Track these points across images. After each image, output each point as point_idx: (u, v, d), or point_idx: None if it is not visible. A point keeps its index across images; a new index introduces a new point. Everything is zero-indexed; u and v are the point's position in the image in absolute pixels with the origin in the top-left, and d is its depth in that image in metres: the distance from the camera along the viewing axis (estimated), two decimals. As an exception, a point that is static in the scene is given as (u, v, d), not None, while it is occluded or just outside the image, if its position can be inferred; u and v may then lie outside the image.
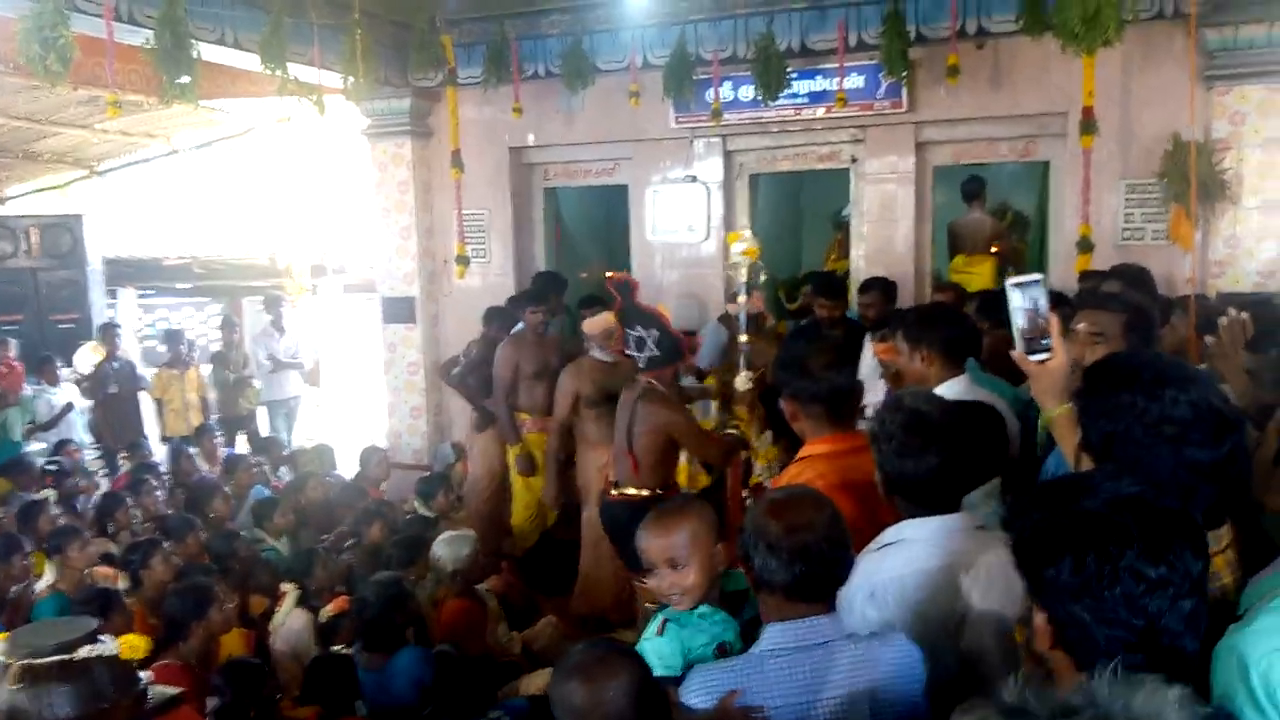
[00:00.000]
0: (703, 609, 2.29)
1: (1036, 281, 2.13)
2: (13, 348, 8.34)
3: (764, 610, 1.97)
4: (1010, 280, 2.14)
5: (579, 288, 7.54)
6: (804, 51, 6.40)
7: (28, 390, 7.92)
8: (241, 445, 8.71)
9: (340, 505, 6.34)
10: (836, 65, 6.25)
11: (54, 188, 11.39)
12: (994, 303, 4.11)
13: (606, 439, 5.02)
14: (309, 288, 11.64)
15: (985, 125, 6.55)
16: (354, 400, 10.54)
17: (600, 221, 8.84)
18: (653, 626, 2.34)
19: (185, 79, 5.27)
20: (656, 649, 2.27)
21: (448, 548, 4.61)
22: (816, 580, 1.90)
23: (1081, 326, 2.74)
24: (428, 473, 6.77)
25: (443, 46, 6.95)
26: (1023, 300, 2.12)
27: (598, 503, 5.03)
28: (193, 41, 5.29)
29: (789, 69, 6.30)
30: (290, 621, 4.54)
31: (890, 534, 2.23)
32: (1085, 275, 5.15)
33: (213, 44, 5.74)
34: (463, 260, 7.35)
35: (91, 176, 11.23)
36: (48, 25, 4.57)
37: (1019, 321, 2.13)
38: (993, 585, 2.07)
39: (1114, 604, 1.19)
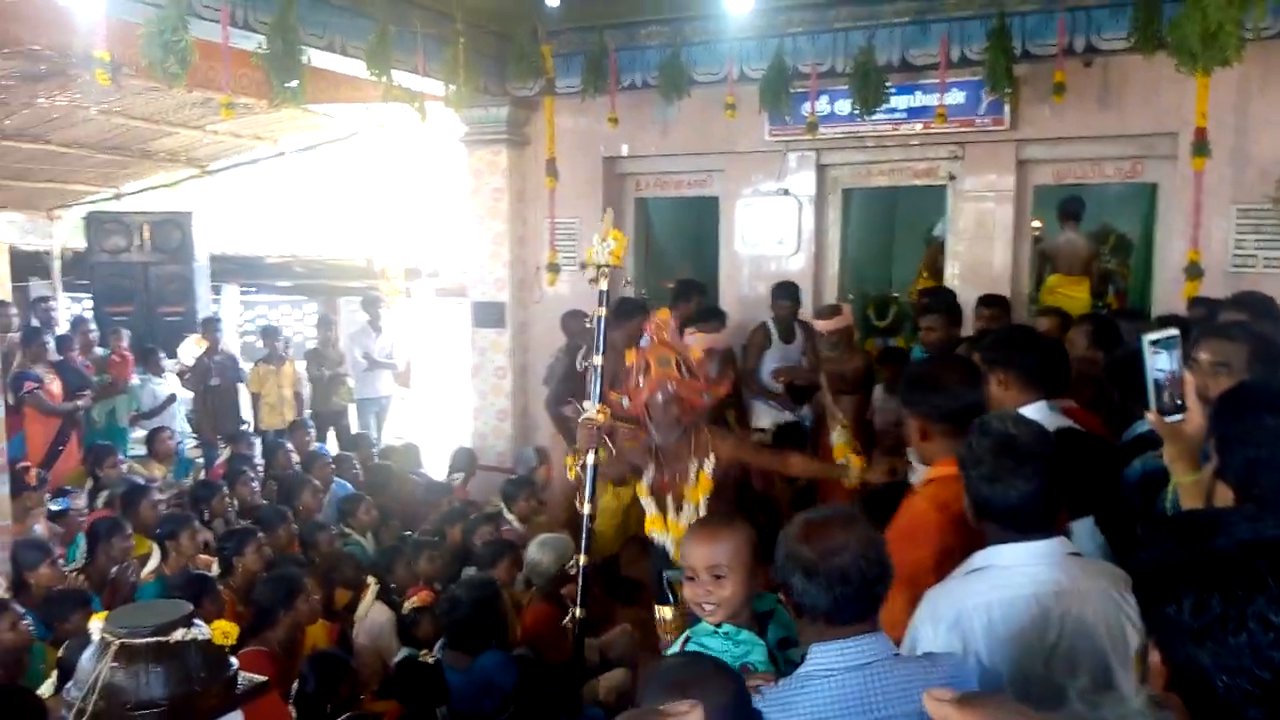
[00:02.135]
0: (727, 628, 2.27)
1: (1173, 339, 2.03)
2: (124, 338, 8.70)
3: (806, 635, 1.94)
4: (1147, 337, 2.05)
5: (669, 299, 7.54)
6: (904, 66, 6.30)
7: (135, 379, 8.25)
8: (332, 441, 8.93)
9: (425, 503, 6.45)
10: (937, 81, 6.14)
11: (166, 185, 11.86)
12: (1108, 331, 3.98)
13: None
14: (403, 290, 11.90)
15: (1090, 145, 6.36)
16: (442, 401, 10.71)
17: (689, 233, 8.84)
18: (678, 644, 2.35)
19: (294, 83, 5.44)
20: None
21: (546, 551, 4.65)
22: (857, 601, 1.85)
23: (1204, 356, 2.62)
24: (512, 475, 6.84)
25: (542, 56, 7.05)
26: (1160, 359, 2.02)
27: None
28: (302, 47, 5.46)
29: (888, 83, 6.22)
30: (372, 615, 4.63)
31: (978, 559, 2.17)
32: (1195, 302, 4.95)
33: (321, 50, 5.91)
34: (554, 268, 7.42)
35: (202, 175, 11.68)
36: (168, 30, 4.77)
37: (1154, 379, 2.03)
38: (1086, 616, 1.99)
39: (1237, 652, 1.12)
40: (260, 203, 13.07)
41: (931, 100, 6.29)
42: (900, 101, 6.50)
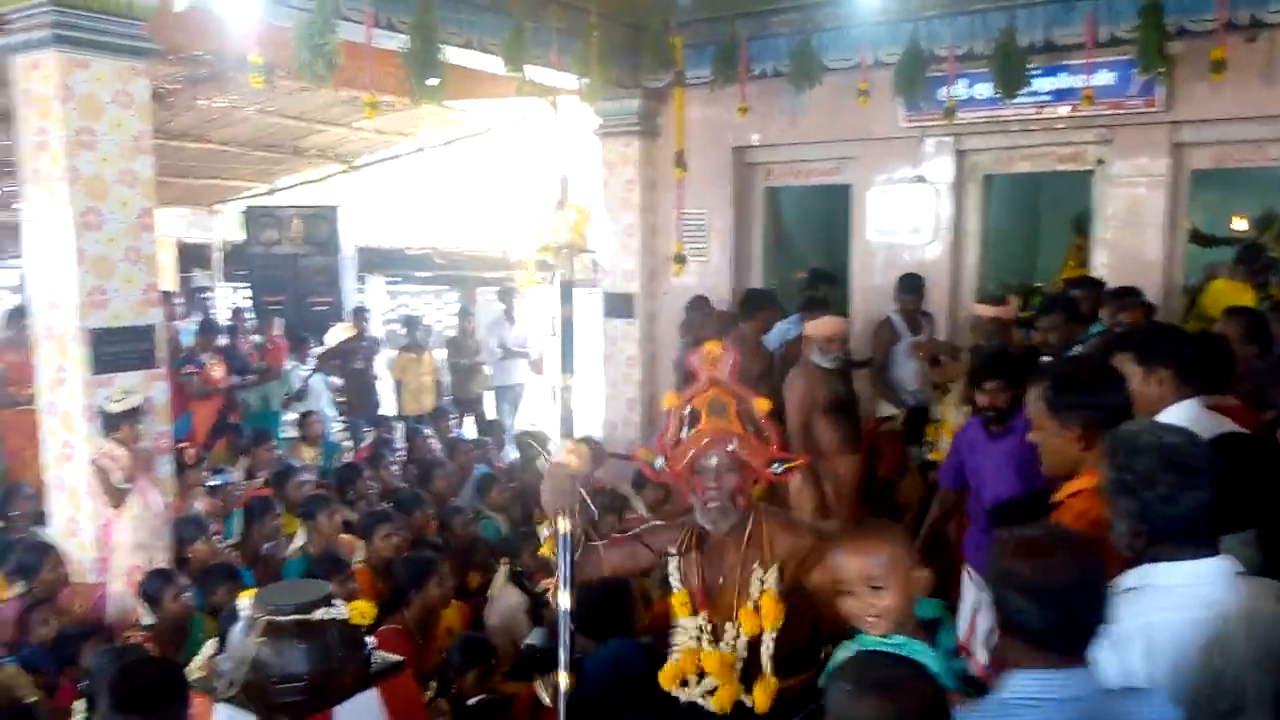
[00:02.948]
0: (896, 638, 2.18)
1: None
2: (278, 326, 9.18)
3: (1010, 655, 1.84)
4: None
5: (796, 289, 7.48)
6: (1047, 47, 6.03)
7: (288, 365, 8.71)
8: (469, 427, 9.21)
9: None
10: (1084, 61, 5.85)
11: (315, 181, 12.43)
12: (1262, 326, 3.73)
13: (844, 446, 4.99)
14: (538, 281, 12.13)
15: (1253, 125, 5.95)
16: (574, 390, 10.87)
17: (820, 222, 8.71)
18: (841, 655, 2.25)
19: (434, 81, 5.61)
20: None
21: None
22: (1072, 631, 1.76)
23: None
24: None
25: (673, 48, 7.06)
26: None
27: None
28: (441, 46, 5.62)
29: (1030, 65, 5.97)
30: (504, 597, 4.76)
31: (1133, 578, 2.02)
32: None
33: (459, 48, 6.07)
34: (680, 259, 7.44)
35: (348, 171, 12.20)
36: (317, 33, 4.99)
37: None
38: (1257, 640, 1.86)
39: None
40: (402, 196, 13.53)
41: (1078, 81, 6.01)
42: (1044, 84, 6.23)
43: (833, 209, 8.10)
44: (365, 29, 5.37)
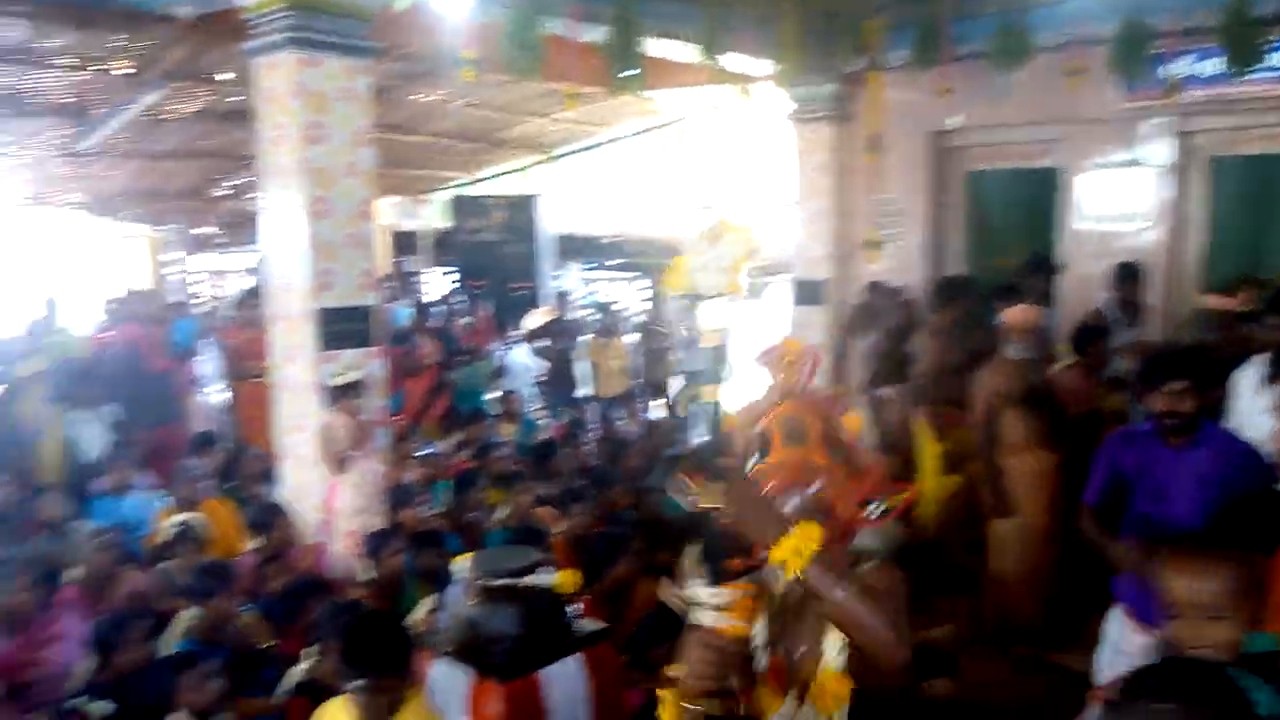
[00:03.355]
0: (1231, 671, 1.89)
1: None
2: (485, 309, 9.68)
3: None
4: None
5: (996, 276, 7.20)
6: (1285, 18, 5.56)
7: (493, 346, 9.17)
8: (659, 409, 9.39)
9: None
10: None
11: (516, 170, 12.94)
12: None
13: (1029, 442, 4.80)
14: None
15: None
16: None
17: (1023, 208, 8.33)
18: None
19: (633, 72, 5.75)
20: None
21: (873, 537, 4.66)
22: None
23: None
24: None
25: (870, 31, 6.93)
26: None
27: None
28: (640, 37, 5.75)
29: (1267, 38, 5.51)
30: (690, 577, 4.85)
31: None
32: None
33: (656, 38, 6.19)
34: (873, 245, 7.31)
35: (547, 160, 12.63)
36: (524, 28, 5.23)
37: None
38: None
39: None
40: (598, 184, 13.86)
41: (1322, 54, 5.51)
42: (1278, 59, 5.74)
43: (1038, 194, 7.74)
44: (569, 22, 5.56)
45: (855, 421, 2.04)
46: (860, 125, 7.65)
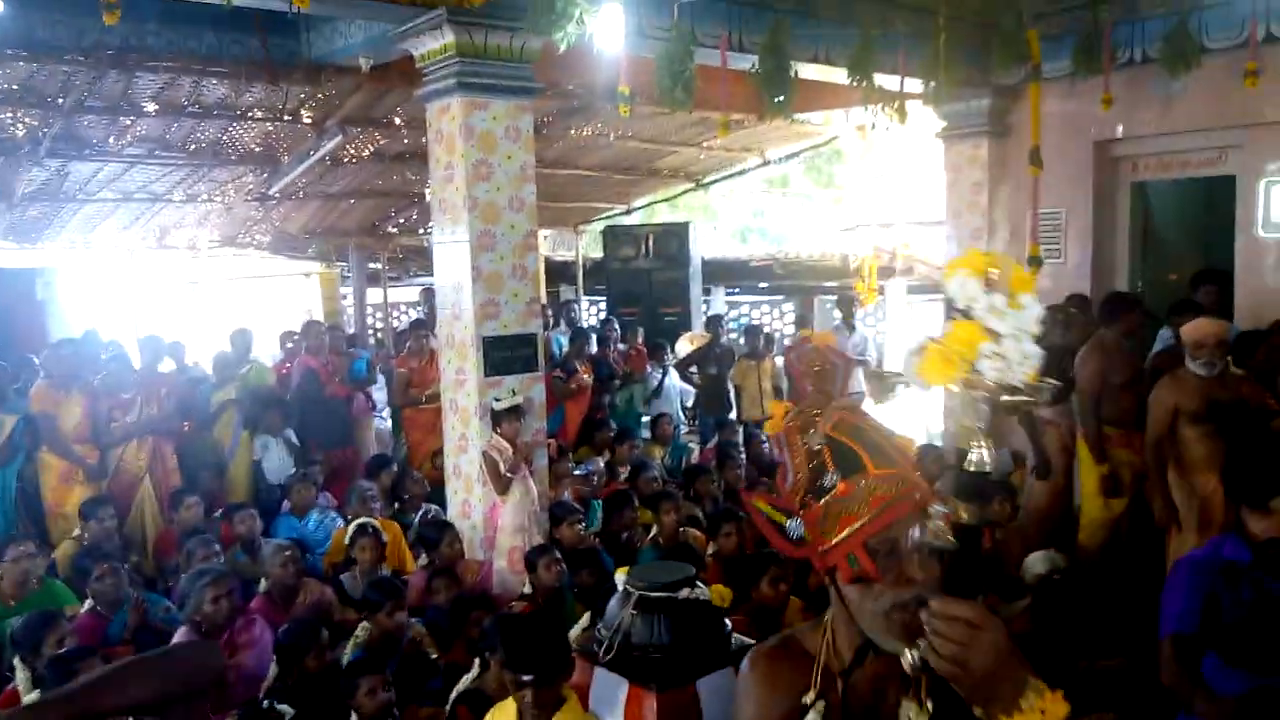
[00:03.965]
0: None
1: None
2: (640, 335, 9.90)
3: None
4: None
5: (1168, 292, 6.87)
6: None
7: (648, 370, 9.35)
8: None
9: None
10: None
11: (667, 199, 13.18)
12: None
13: (1211, 462, 4.57)
14: (877, 288, 12.04)
15: None
16: (914, 399, 10.68)
17: (1196, 218, 7.91)
18: None
19: (783, 97, 5.82)
20: None
21: (1039, 562, 4.58)
22: None
23: None
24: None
25: (1028, 41, 6.77)
26: None
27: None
28: (790, 63, 5.81)
29: None
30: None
31: None
32: None
33: (806, 62, 6.23)
34: (1035, 261, 7.08)
35: (697, 188, 12.81)
36: (677, 61, 5.38)
37: None
38: None
39: None
40: (748, 208, 13.96)
41: None
42: None
43: (1212, 204, 7.35)
44: (720, 53, 5.69)
45: (908, 443, 1.68)
46: (1016, 139, 7.45)
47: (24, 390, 6.48)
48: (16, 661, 3.82)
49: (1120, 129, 7.03)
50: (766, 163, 11.87)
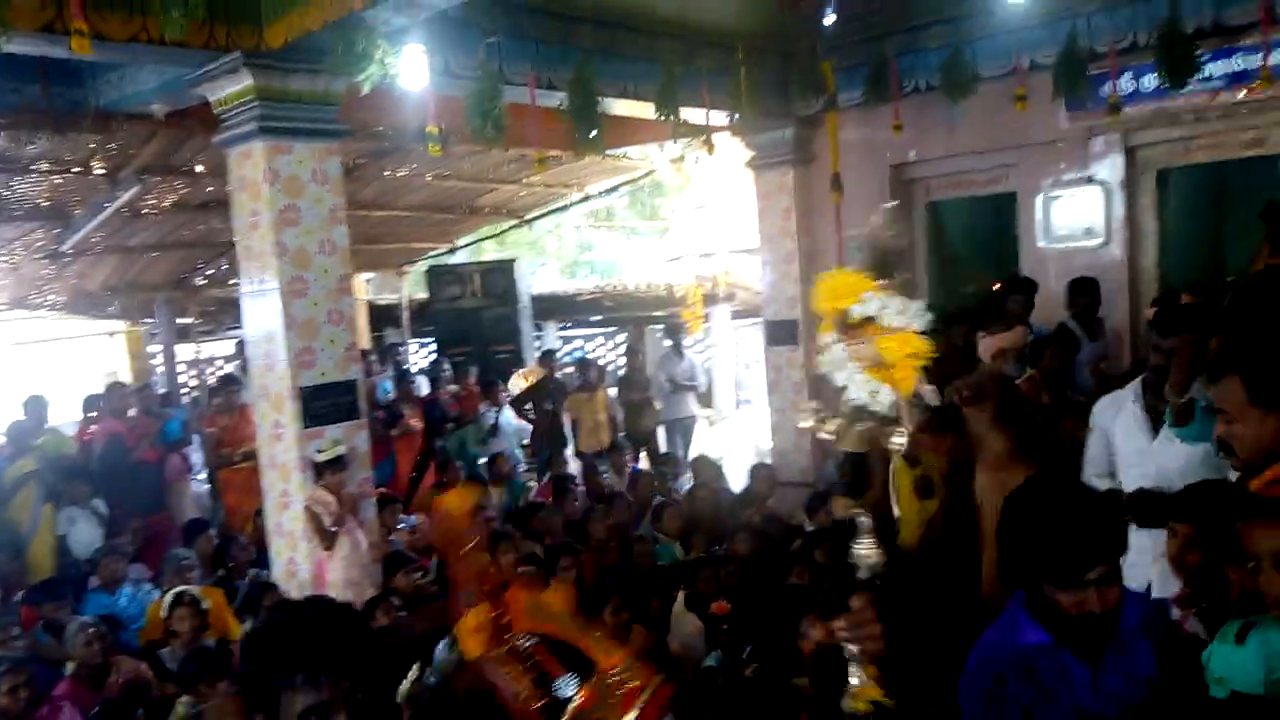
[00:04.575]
0: None
1: None
2: (473, 375, 9.78)
3: None
4: None
5: (962, 301, 7.34)
6: (1216, 30, 5.78)
7: (481, 410, 9.24)
8: (643, 461, 9.45)
9: (728, 517, 6.69)
10: (1259, 41, 5.56)
11: (491, 237, 13.14)
12: None
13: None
14: (703, 315, 12.37)
15: None
16: (742, 419, 10.99)
17: (986, 233, 8.52)
18: (1230, 631, 2.04)
19: (594, 133, 5.92)
20: (1229, 659, 2.00)
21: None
22: None
23: None
24: (811, 490, 6.93)
25: (823, 73, 7.15)
26: None
27: None
28: (599, 99, 5.92)
29: (1199, 51, 5.72)
30: (681, 623, 4.90)
31: None
32: None
33: (615, 98, 6.37)
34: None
35: (520, 225, 12.82)
36: (485, 99, 5.39)
37: None
38: None
39: None
40: (571, 244, 14.07)
41: (1254, 63, 5.71)
42: (1216, 68, 5.96)
43: (998, 219, 7.93)
44: (529, 90, 5.74)
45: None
46: (819, 165, 7.83)
47: None
48: None
49: (913, 153, 7.51)
50: (587, 197, 12.01)
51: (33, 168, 7.62)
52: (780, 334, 8.18)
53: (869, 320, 1.71)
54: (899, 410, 1.75)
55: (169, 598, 5.02)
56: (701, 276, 12.84)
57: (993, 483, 5.05)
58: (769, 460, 8.16)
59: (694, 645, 4.74)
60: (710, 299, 12.87)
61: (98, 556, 5.98)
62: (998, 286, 7.41)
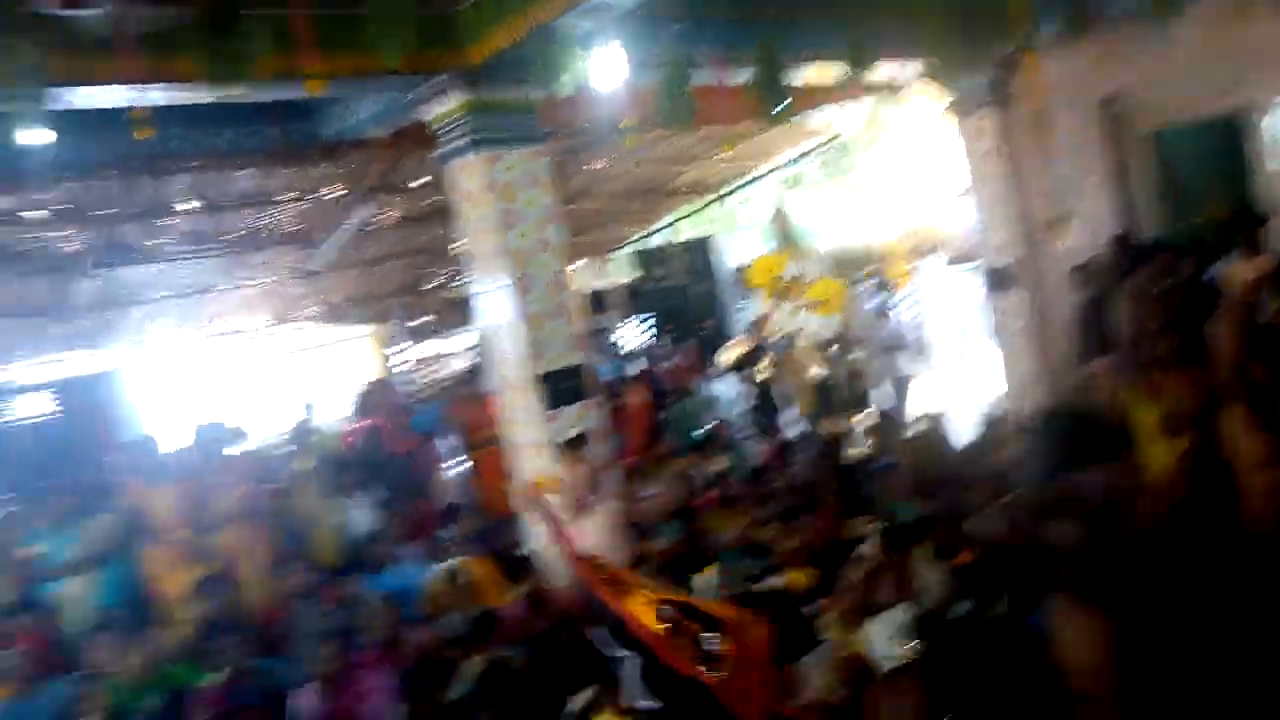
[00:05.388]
0: None
1: None
2: (686, 349, 10.10)
3: None
4: None
5: (1194, 233, 6.93)
6: None
7: (697, 383, 9.55)
8: (862, 420, 9.45)
9: (957, 472, 6.65)
10: None
11: (687, 216, 13.40)
12: None
13: None
14: (912, 267, 12.13)
15: None
16: (965, 372, 10.75)
17: (1211, 161, 7.96)
18: None
19: (781, 105, 6.01)
20: None
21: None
22: None
23: None
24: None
25: (1021, 9, 6.90)
26: None
27: None
28: (785, 69, 6.01)
29: None
30: (924, 577, 4.96)
31: None
32: None
33: (803, 63, 6.41)
34: (1058, 221, 7.20)
35: (716, 201, 13.01)
36: (675, 86, 5.60)
37: None
38: None
39: None
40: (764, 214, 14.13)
41: None
42: None
43: (1226, 142, 7.39)
44: (715, 71, 5.91)
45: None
46: (1022, 105, 7.57)
47: (112, 490, 6.87)
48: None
49: (1121, 83, 7.12)
50: (779, 167, 12.04)
51: (277, 199, 8.54)
52: (997, 280, 7.99)
53: (795, 280, 1.86)
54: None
55: (440, 571, 5.59)
56: (905, 230, 12.59)
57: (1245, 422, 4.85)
58: (998, 410, 8.00)
59: (941, 597, 4.80)
60: (917, 251, 12.60)
61: (373, 541, 6.69)
62: (1226, 217, 6.98)
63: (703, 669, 1.57)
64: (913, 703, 3.50)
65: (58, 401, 8.77)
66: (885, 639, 3.72)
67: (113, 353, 10.31)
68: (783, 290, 2.36)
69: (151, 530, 6.33)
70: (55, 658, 5.76)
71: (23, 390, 8.91)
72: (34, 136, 4.50)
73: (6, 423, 8.55)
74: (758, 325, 10.34)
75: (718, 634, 1.64)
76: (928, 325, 11.18)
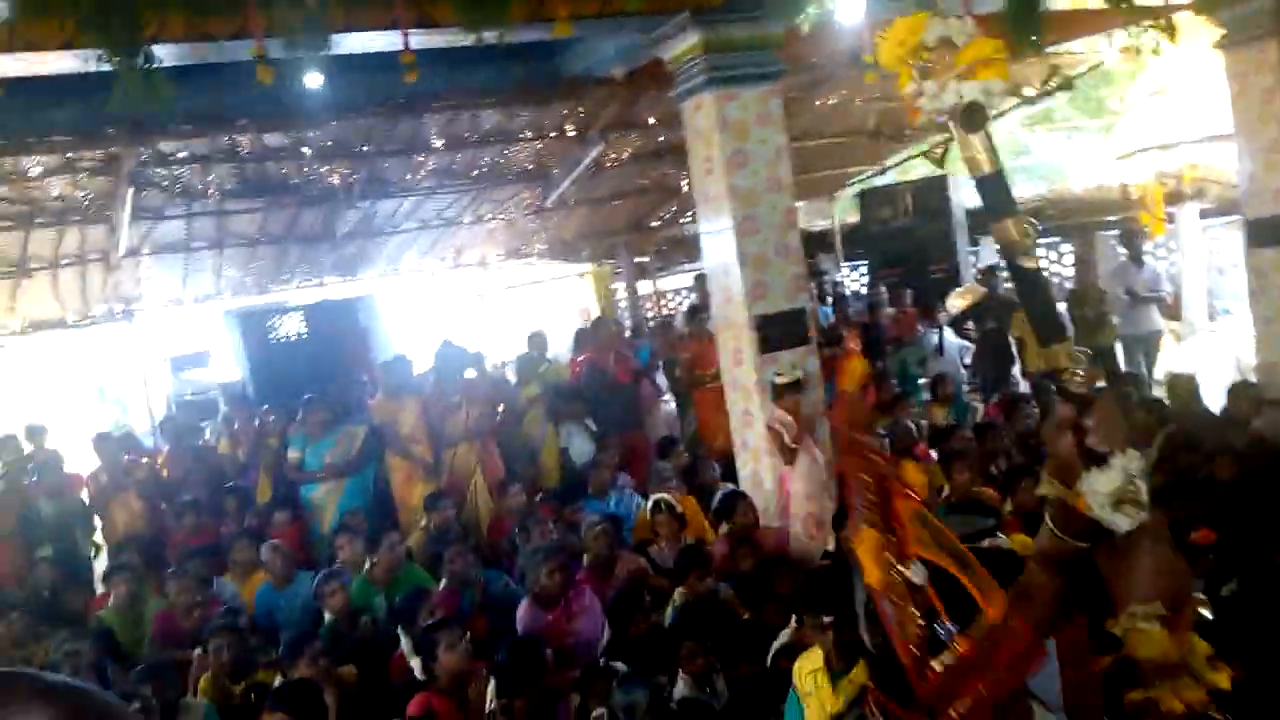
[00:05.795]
0: None
1: None
2: (908, 297, 9.83)
3: None
4: None
5: None
6: None
7: (920, 331, 9.28)
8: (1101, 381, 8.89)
9: (1207, 440, 6.16)
10: None
11: (921, 154, 12.88)
12: None
13: None
14: (1165, 217, 11.19)
15: None
16: (1218, 332, 9.87)
17: None
18: None
19: (1035, 36, 5.64)
20: None
21: None
22: None
23: None
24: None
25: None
26: None
27: None
28: None
29: None
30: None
31: None
32: None
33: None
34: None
35: (952, 139, 12.41)
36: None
37: None
38: None
39: None
40: (1008, 151, 13.37)
41: None
42: None
43: None
44: (962, 3, 5.61)
45: None
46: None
47: (363, 405, 7.53)
48: (400, 630, 4.53)
49: None
50: (1024, 100, 11.32)
51: (519, 137, 8.91)
52: (1265, 233, 7.23)
53: (944, 43, 1.51)
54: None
55: (651, 503, 5.80)
56: (1162, 173, 11.56)
57: None
58: (1253, 378, 7.31)
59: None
60: (1174, 198, 11.56)
61: (590, 467, 7.01)
62: None
63: (915, 650, 1.20)
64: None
65: (313, 322, 9.61)
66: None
67: (367, 279, 11.21)
68: (927, 64, 1.83)
69: (395, 443, 6.92)
70: (307, 553, 6.47)
71: (287, 311, 9.84)
72: (308, 80, 4.91)
73: (275, 339, 9.48)
74: (989, 273, 9.88)
75: (960, 625, 1.19)
76: (1181, 279, 10.32)
